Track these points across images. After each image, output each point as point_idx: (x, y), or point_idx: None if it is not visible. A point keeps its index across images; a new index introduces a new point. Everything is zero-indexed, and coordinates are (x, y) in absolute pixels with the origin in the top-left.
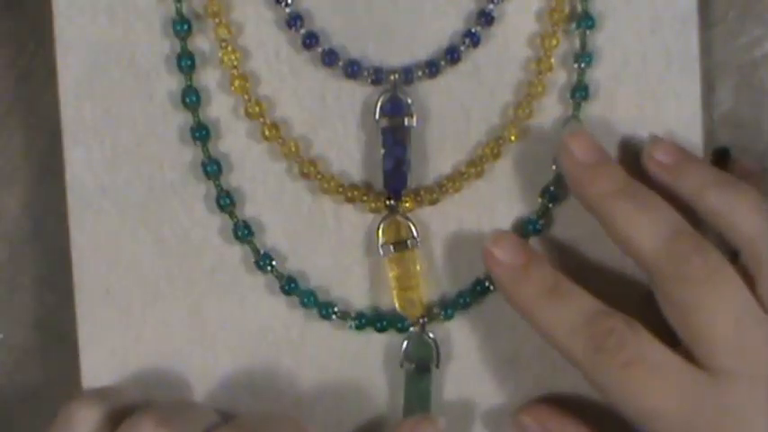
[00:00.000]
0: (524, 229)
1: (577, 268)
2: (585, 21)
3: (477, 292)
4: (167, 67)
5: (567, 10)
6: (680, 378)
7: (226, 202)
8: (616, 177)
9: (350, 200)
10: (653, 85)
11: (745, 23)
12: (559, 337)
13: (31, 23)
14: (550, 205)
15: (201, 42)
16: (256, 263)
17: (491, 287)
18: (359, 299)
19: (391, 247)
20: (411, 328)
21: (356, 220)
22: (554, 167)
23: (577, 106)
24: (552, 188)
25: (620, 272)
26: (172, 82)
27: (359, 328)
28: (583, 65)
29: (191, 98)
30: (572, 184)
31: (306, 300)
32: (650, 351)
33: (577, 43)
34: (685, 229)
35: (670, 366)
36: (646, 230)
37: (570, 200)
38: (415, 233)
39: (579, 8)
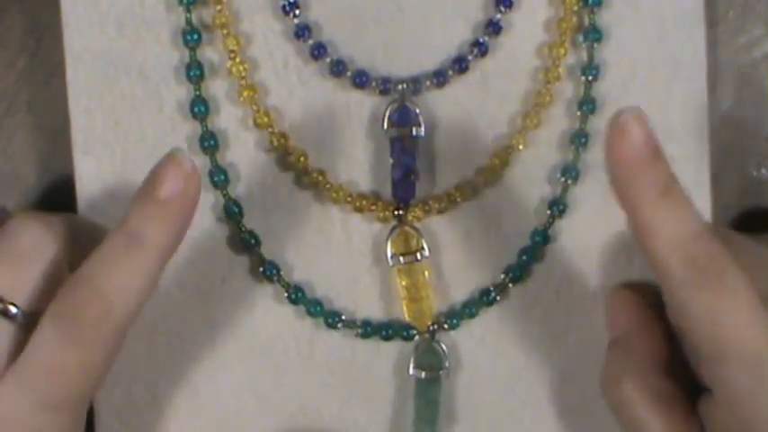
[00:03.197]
0: (533, 239)
1: (586, 278)
2: (593, 33)
3: (484, 302)
4: (176, 78)
5: (575, 19)
6: (765, 317)
7: (233, 211)
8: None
9: (358, 210)
10: (660, 93)
11: (745, 23)
12: (659, 244)
13: (30, 23)
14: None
15: (210, 53)
16: (263, 272)
17: (497, 297)
18: (367, 308)
19: (401, 258)
20: (417, 337)
21: (364, 230)
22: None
23: (585, 119)
24: (559, 199)
25: (635, 274)
26: (181, 92)
27: (365, 336)
28: (590, 77)
29: (199, 108)
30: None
31: (312, 309)
32: (746, 288)
33: (585, 55)
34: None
35: (761, 308)
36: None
37: (577, 211)
38: (423, 244)
39: (587, 20)
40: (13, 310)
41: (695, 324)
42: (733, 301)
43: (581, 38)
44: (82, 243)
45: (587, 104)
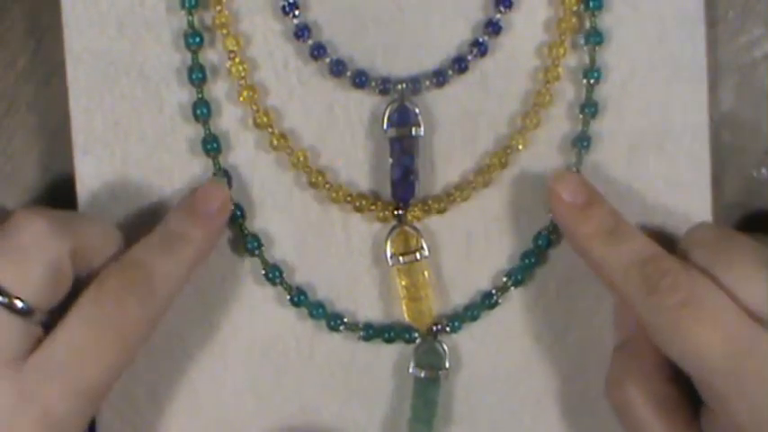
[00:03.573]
0: (535, 242)
1: (587, 281)
2: (594, 36)
3: (486, 305)
4: (176, 79)
5: (574, 20)
6: (732, 323)
7: (236, 214)
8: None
9: (358, 209)
10: (660, 93)
11: (746, 23)
12: (614, 276)
13: (30, 23)
14: None
15: (210, 53)
16: (265, 275)
17: (499, 300)
18: (367, 309)
19: (400, 258)
20: (418, 339)
21: (364, 230)
22: (548, 213)
23: (587, 122)
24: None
25: None
26: (181, 93)
27: (367, 339)
28: (592, 81)
29: (202, 111)
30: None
31: (315, 311)
32: (705, 293)
33: (585, 57)
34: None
35: (724, 310)
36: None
37: None
38: (423, 243)
39: (588, 23)
40: (19, 303)
41: (667, 344)
42: (694, 311)
43: (581, 40)
44: (85, 238)
45: (589, 107)
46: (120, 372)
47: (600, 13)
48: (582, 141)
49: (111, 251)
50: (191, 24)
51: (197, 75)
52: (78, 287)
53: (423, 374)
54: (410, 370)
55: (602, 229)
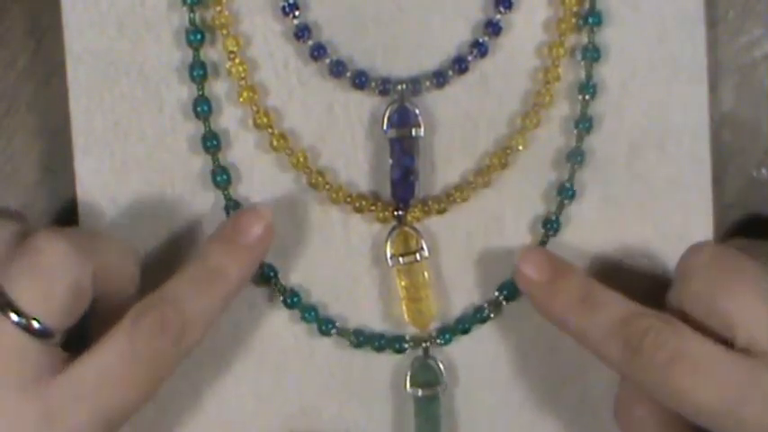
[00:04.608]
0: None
1: (593, 269)
2: (592, 52)
3: (478, 318)
4: (177, 78)
5: (574, 20)
6: (724, 369)
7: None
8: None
9: (358, 210)
10: (660, 93)
11: (745, 23)
12: (595, 343)
13: (30, 23)
14: (566, 202)
15: (211, 53)
16: (261, 275)
17: (491, 315)
18: (367, 309)
19: (400, 259)
20: (408, 350)
21: (364, 231)
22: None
23: (581, 137)
24: (568, 184)
25: (636, 275)
26: (181, 92)
27: (357, 346)
28: (587, 96)
29: (202, 108)
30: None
31: (306, 315)
32: (690, 345)
33: (584, 55)
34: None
35: (713, 359)
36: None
37: (584, 202)
38: (423, 244)
39: (586, 38)
40: (36, 325)
41: (663, 401)
42: (684, 366)
43: (578, 56)
44: (105, 258)
45: (584, 123)
46: (145, 402)
47: (599, 29)
48: (576, 156)
49: (130, 270)
50: (192, 21)
51: (198, 71)
52: (94, 305)
53: (420, 393)
54: (407, 389)
55: (573, 299)
